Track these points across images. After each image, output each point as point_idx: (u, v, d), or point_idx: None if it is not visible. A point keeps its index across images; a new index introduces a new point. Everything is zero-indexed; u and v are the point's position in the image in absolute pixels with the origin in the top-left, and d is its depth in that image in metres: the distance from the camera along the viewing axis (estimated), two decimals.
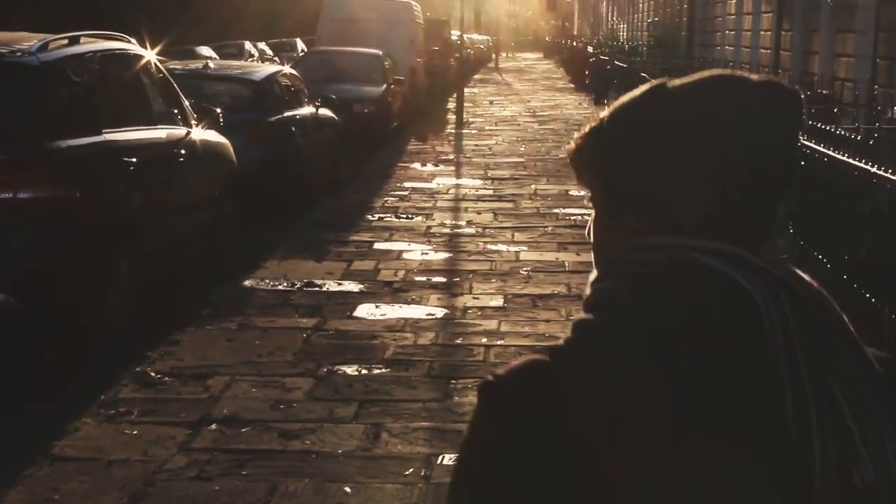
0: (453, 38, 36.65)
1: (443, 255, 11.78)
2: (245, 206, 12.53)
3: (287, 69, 16.55)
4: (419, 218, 13.89)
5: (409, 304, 9.63)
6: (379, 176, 17.62)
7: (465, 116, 27.00)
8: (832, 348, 1.46)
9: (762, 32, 27.04)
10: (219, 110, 11.17)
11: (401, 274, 10.79)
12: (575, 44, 55.32)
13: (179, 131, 9.97)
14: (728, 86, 1.53)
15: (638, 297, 1.47)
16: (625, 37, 54.03)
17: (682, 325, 1.44)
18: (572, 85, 43.11)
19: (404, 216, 14.00)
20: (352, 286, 10.29)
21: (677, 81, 1.55)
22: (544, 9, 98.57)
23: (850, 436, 1.43)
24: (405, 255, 11.63)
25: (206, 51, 40.69)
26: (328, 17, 27.86)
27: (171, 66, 15.20)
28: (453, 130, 25.42)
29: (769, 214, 1.53)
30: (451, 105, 30.29)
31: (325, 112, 16.64)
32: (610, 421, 1.39)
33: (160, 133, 9.48)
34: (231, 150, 11.50)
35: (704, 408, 1.40)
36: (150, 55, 10.04)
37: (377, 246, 12.11)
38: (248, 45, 46.93)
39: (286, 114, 14.63)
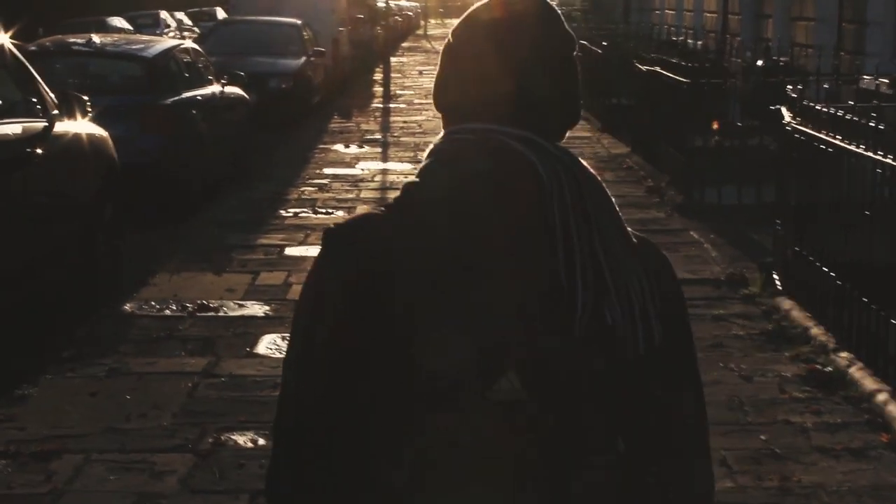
0: (379, 4, 34.68)
1: None
2: (134, 207, 10.71)
3: (188, 43, 14.65)
4: (340, 213, 12.10)
5: None
6: (296, 161, 15.75)
7: (392, 89, 25.22)
8: (598, 219, 1.90)
9: None
10: (86, 97, 9.24)
11: None
12: None
13: (35, 125, 8.10)
14: (489, 5, 1.98)
15: (448, 165, 1.91)
16: (557, 2, 52.31)
17: (478, 188, 1.86)
18: None
19: (323, 211, 12.20)
20: (255, 308, 8.51)
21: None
22: None
23: (605, 283, 1.87)
24: None
25: (118, 21, 38.58)
26: None
27: (49, 43, 13.27)
28: (380, 105, 23.57)
29: (563, 110, 1.98)
30: (378, 77, 28.45)
31: (233, 90, 14.76)
32: (407, 256, 1.84)
33: (6, 129, 7.60)
34: (109, 143, 9.65)
35: (486, 253, 1.84)
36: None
37: (289, 251, 10.31)
38: (164, 14, 44.76)
39: (185, 95, 12.75)
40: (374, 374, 1.86)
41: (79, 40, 13.10)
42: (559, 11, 1.98)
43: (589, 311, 1.85)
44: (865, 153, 6.95)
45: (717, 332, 7.83)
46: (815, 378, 6.83)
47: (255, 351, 7.50)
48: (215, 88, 13.98)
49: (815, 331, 7.53)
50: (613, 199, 1.95)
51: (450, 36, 2.03)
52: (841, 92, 13.37)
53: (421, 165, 1.95)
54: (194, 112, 12.77)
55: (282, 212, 12.15)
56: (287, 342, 2.04)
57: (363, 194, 13.20)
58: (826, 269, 7.63)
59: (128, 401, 6.55)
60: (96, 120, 10.08)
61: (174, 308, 8.48)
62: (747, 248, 10.24)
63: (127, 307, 8.51)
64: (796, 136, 8.21)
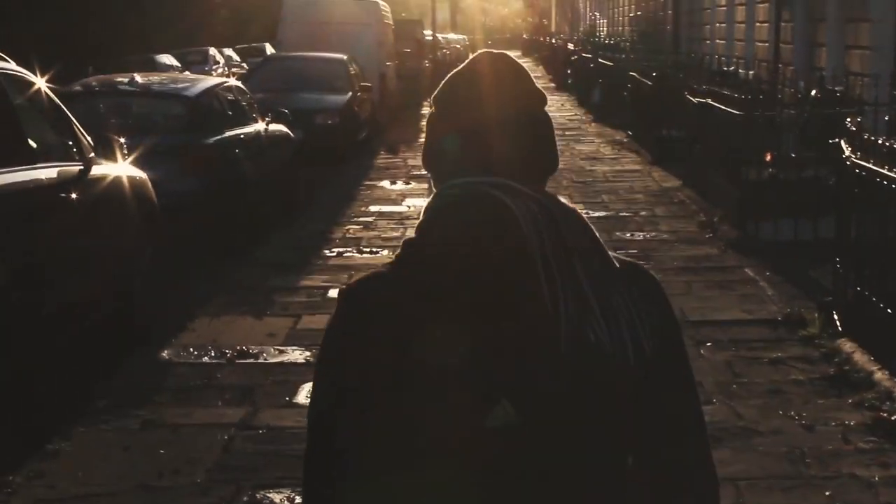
0: (427, 38, 34.55)
1: None
2: (176, 249, 10.52)
3: (232, 81, 14.50)
4: (385, 252, 11.85)
5: None
6: (342, 198, 15.55)
7: None
8: (579, 248, 2.07)
9: (758, 24, 25.05)
10: (122, 139, 9.06)
11: None
12: (555, 41, 53.31)
13: (71, 168, 7.91)
14: (475, 64, 2.22)
15: (439, 219, 2.11)
16: (605, 32, 52.03)
17: (466, 235, 2.07)
18: (553, 84, 41.08)
19: (367, 250, 11.97)
20: (296, 354, 8.26)
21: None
22: (521, 6, 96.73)
23: (588, 305, 2.03)
24: None
25: (167, 59, 38.71)
26: (289, 21, 25.76)
27: (94, 82, 13.16)
28: None
29: (537, 159, 2.18)
30: (426, 111, 28.31)
31: (277, 128, 14.59)
32: (409, 304, 2.05)
33: (40, 173, 7.42)
34: (148, 185, 9.45)
35: (479, 293, 2.03)
36: (36, 80, 7.94)
37: (332, 293, 10.06)
38: (212, 51, 44.90)
39: (228, 134, 12.57)
40: (382, 411, 2.07)
41: (122, 79, 12.95)
42: (528, 72, 2.23)
43: (573, 331, 2.02)
44: None
45: (776, 377, 7.49)
46: (881, 427, 6.48)
47: (294, 400, 7.24)
48: (259, 127, 13.81)
49: (880, 375, 7.18)
50: (594, 229, 2.14)
51: (433, 104, 2.23)
52: None
53: (418, 222, 2.17)
54: (237, 151, 12.59)
55: (326, 252, 11.92)
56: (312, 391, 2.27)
57: (409, 232, 12.88)
58: (890, 311, 7.28)
59: (161, 455, 6.31)
60: (137, 161, 9.94)
61: (212, 354, 8.25)
62: (805, 286, 9.88)
63: (164, 354, 8.29)
64: (857, 170, 7.88)
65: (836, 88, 15.57)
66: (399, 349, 2.04)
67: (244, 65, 42.91)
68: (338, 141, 19.61)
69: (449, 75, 2.25)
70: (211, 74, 39.79)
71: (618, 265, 2.13)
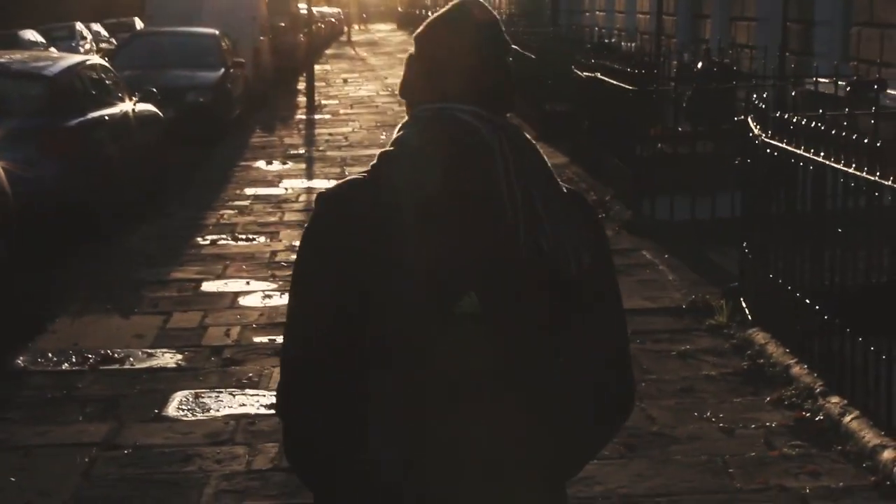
0: (301, 11, 33.60)
1: None
2: (35, 240, 9.75)
3: (95, 59, 13.59)
4: (262, 239, 11.14)
5: (242, 387, 6.94)
6: (215, 181, 14.73)
7: (316, 99, 24.17)
8: (533, 172, 2.38)
9: None
10: None
11: (234, 332, 8.07)
12: (430, 14, 52.63)
13: None
14: (442, 15, 2.48)
15: (414, 134, 2.39)
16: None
17: (438, 148, 2.34)
18: None
19: (243, 237, 11.23)
20: (167, 358, 7.55)
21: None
22: None
23: (541, 221, 2.34)
24: (241, 301, 8.89)
25: (30, 34, 37.27)
26: None
27: None
28: (304, 117, 22.56)
29: (499, 90, 2.43)
30: (302, 86, 27.42)
31: (145, 108, 13.73)
32: (385, 207, 2.31)
33: None
34: (1, 175, 8.63)
35: (450, 202, 2.30)
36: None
37: (206, 287, 9.34)
38: (79, 26, 43.40)
39: (91, 115, 11.72)
40: (361, 305, 2.32)
41: None
42: (501, 26, 2.47)
43: (529, 240, 2.31)
44: (854, 171, 6.12)
45: (686, 374, 6.99)
46: (804, 429, 6.01)
47: (164, 413, 6.54)
48: (125, 107, 12.95)
49: (798, 370, 6.70)
50: (547, 159, 2.42)
51: (414, 42, 2.48)
52: (788, 95, 12.68)
53: (393, 137, 2.42)
54: (100, 134, 11.75)
55: (199, 240, 11.16)
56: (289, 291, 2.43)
57: (287, 217, 12.22)
58: (805, 299, 6.81)
59: (11, 485, 5.58)
60: None
61: (73, 360, 7.50)
62: (707, 270, 9.43)
63: (20, 361, 7.51)
64: (767, 150, 7.39)
65: (724, 60, 15.22)
66: (378, 250, 2.29)
67: (113, 40, 41.55)
68: (210, 120, 18.72)
69: (430, 18, 2.51)
70: (78, 51, 38.51)
71: (565, 191, 2.42)
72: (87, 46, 41.38)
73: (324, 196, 2.42)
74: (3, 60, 11.82)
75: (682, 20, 21.32)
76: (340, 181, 2.44)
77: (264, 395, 6.74)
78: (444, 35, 2.45)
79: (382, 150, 2.41)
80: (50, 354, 7.61)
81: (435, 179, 2.31)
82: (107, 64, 13.56)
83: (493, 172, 2.34)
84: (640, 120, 11.92)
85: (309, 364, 2.36)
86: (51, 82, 11.50)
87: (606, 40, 22.08)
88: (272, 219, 12.19)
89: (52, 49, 36.86)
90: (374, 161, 2.40)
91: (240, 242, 11.01)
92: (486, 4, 2.51)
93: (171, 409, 6.58)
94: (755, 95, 8.31)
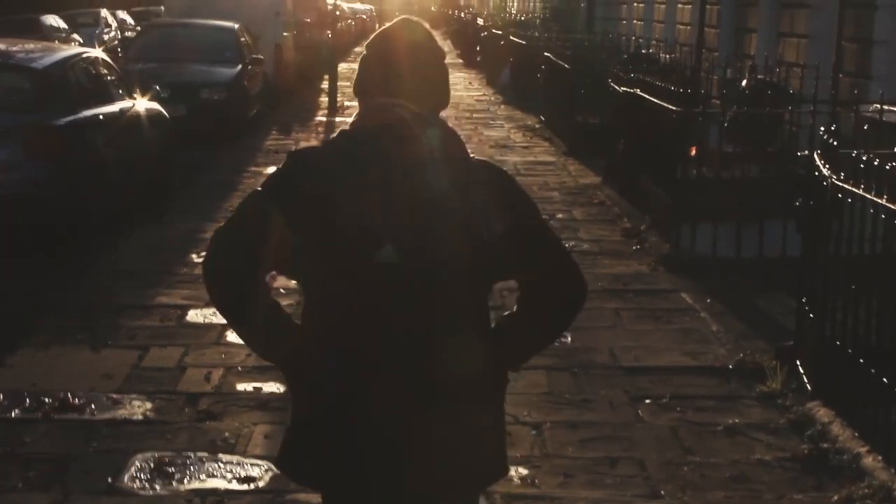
0: (329, 7, 32.56)
1: None
2: (6, 254, 8.80)
3: (95, 52, 12.58)
4: None
5: (215, 450, 5.92)
6: (222, 187, 13.68)
7: (339, 100, 23.12)
8: (453, 154, 3.05)
9: (680, 5, 23.57)
10: None
11: (215, 377, 7.06)
12: (464, 15, 51.56)
13: None
14: (387, 30, 3.16)
15: (362, 121, 3.08)
16: (516, 8, 50.43)
17: (376, 132, 3.01)
18: (461, 60, 39.36)
19: None
20: (134, 406, 6.55)
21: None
22: None
23: (454, 193, 2.99)
24: (229, 336, 7.86)
25: (52, 20, 36.40)
26: None
27: None
28: (324, 118, 21.53)
29: (430, 91, 3.10)
30: (326, 86, 26.41)
31: (148, 106, 12.75)
32: (331, 170, 3.00)
33: None
34: None
35: (381, 171, 2.97)
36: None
37: (191, 316, 8.34)
38: (104, 13, 42.54)
39: (84, 113, 10.75)
40: (298, 236, 2.99)
41: None
42: (432, 34, 3.19)
43: (440, 207, 2.96)
44: None
45: (736, 456, 5.94)
46: None
47: (118, 483, 5.53)
48: (125, 105, 11.98)
49: (870, 461, 5.65)
50: (462, 139, 3.11)
51: (365, 49, 3.16)
52: (842, 122, 11.61)
53: (351, 120, 3.13)
54: (93, 134, 10.79)
55: (193, 256, 10.14)
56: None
57: None
58: (880, 374, 5.76)
59: None
60: None
61: (27, 405, 6.50)
62: (755, 320, 8.39)
63: None
64: (839, 195, 6.33)
65: (771, 79, 14.14)
66: (320, 200, 2.96)
67: (138, 28, 40.67)
68: (224, 118, 17.76)
69: (379, 30, 3.20)
70: (102, 38, 37.67)
71: (479, 163, 3.12)
72: (112, 34, 40.55)
73: (292, 153, 3.10)
74: None
75: (726, 33, 20.18)
76: (308, 145, 3.43)
77: (239, 465, 5.73)
78: (388, 46, 3.11)
79: (342, 127, 3.16)
80: (1, 396, 6.62)
81: (370, 155, 2.98)
82: (107, 58, 12.54)
83: (418, 155, 2.98)
84: (681, 142, 10.88)
85: (231, 245, 3.04)
86: (40, 76, 10.54)
87: (644, 51, 21.03)
88: None
89: (75, 35, 36.15)
90: (334, 135, 3.14)
91: None
92: (422, 22, 3.22)
93: (127, 478, 5.57)
94: (822, 129, 7.24)
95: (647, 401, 6.71)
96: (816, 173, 6.79)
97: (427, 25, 3.22)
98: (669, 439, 6.16)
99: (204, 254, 3.12)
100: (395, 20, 3.15)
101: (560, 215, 12.24)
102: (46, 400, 6.55)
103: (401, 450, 2.96)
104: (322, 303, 3.02)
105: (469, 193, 2.96)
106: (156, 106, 13.14)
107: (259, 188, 3.07)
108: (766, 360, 7.26)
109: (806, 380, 6.78)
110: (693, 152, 11.21)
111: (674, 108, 10.65)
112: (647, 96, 11.76)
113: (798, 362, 6.98)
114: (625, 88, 13.15)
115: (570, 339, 7.82)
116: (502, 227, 2.96)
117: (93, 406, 6.52)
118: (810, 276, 7.02)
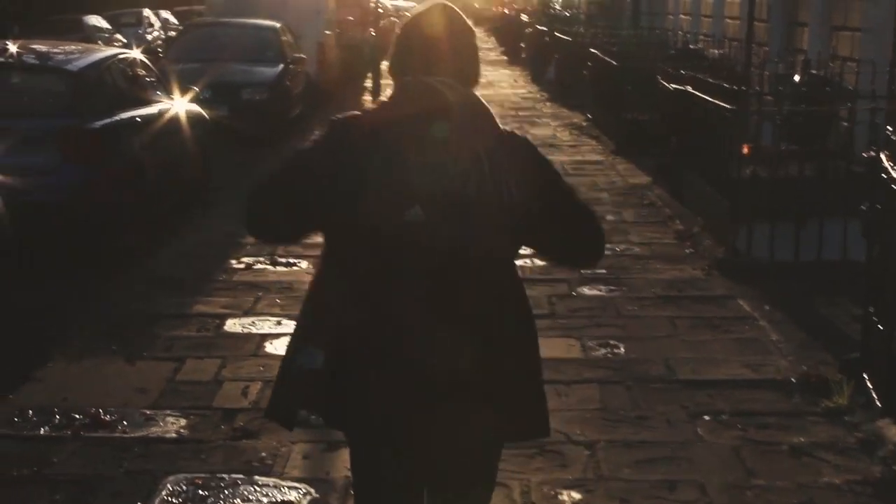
0: (372, 5, 32.26)
1: None
2: (41, 259, 8.56)
3: (134, 53, 12.30)
4: (304, 264, 9.83)
5: (250, 471, 5.62)
6: None
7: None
8: (483, 126, 3.27)
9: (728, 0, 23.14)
10: None
11: (253, 391, 6.76)
12: (508, 11, 51.13)
13: None
14: (422, 13, 3.36)
15: (400, 94, 3.26)
16: (561, 4, 49.96)
17: (413, 104, 3.20)
18: (506, 58, 38.99)
19: (283, 262, 9.92)
20: (168, 424, 6.26)
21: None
22: None
23: (481, 162, 3.20)
24: (268, 347, 7.59)
25: (95, 20, 36.40)
26: None
27: None
28: None
29: (465, 69, 3.31)
30: (370, 84, 26.16)
31: (187, 108, 12.50)
32: (369, 136, 3.18)
33: None
34: None
35: (414, 140, 3.17)
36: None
37: (230, 326, 8.06)
38: (147, 12, 42.49)
39: (121, 116, 10.50)
40: (330, 193, 3.19)
41: None
42: (464, 17, 3.38)
43: (465, 175, 3.16)
44: None
45: (803, 479, 5.57)
46: None
47: None
48: (164, 106, 11.73)
49: None
50: (496, 117, 3.30)
51: (400, 30, 3.36)
52: None
53: (388, 94, 3.31)
54: (131, 136, 10.53)
55: (232, 262, 9.89)
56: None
57: None
58: None
59: None
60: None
61: (56, 421, 6.23)
62: (817, 328, 8.01)
63: None
64: None
65: (824, 73, 13.70)
66: (358, 164, 3.16)
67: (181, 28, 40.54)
68: (266, 119, 17.51)
69: (412, 15, 3.37)
70: (145, 38, 37.57)
71: (504, 136, 3.30)
72: (155, 34, 40.49)
73: (333, 119, 3.30)
74: (23, 53, 10.58)
75: (776, 27, 19.74)
76: (350, 112, 3.33)
77: (276, 489, 5.42)
78: (425, 26, 3.32)
79: (381, 98, 3.45)
80: (30, 412, 6.35)
81: (407, 124, 3.19)
82: (145, 59, 12.28)
83: (450, 125, 3.18)
84: (735, 140, 10.50)
85: (276, 188, 3.31)
86: (75, 78, 10.28)
87: (692, 46, 20.61)
88: (318, 239, 10.81)
89: (118, 35, 36.08)
90: (374, 106, 3.33)
91: (278, 268, 9.72)
92: (454, 6, 3.38)
93: (158, 503, 5.28)
94: (889, 129, 6.84)
95: (707, 417, 6.35)
96: (884, 174, 6.41)
97: (458, 9, 3.36)
98: (731, 460, 5.80)
99: (246, 207, 3.34)
100: (429, 4, 3.36)
101: (610, 217, 11.88)
102: (77, 416, 6.28)
103: (432, 395, 3.16)
104: (347, 260, 3.23)
105: (495, 159, 3.18)
106: (195, 107, 12.90)
107: (300, 148, 3.32)
108: (830, 372, 6.89)
109: (875, 395, 6.40)
110: (746, 151, 10.84)
111: (728, 105, 10.25)
112: (699, 94, 11.36)
113: (865, 376, 6.60)
114: (675, 86, 12.76)
115: (623, 349, 7.50)
116: (526, 191, 3.19)
117: (125, 423, 6.24)
118: (878, 284, 6.63)
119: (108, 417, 6.29)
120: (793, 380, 6.93)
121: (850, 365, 6.83)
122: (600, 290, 8.99)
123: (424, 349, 3.14)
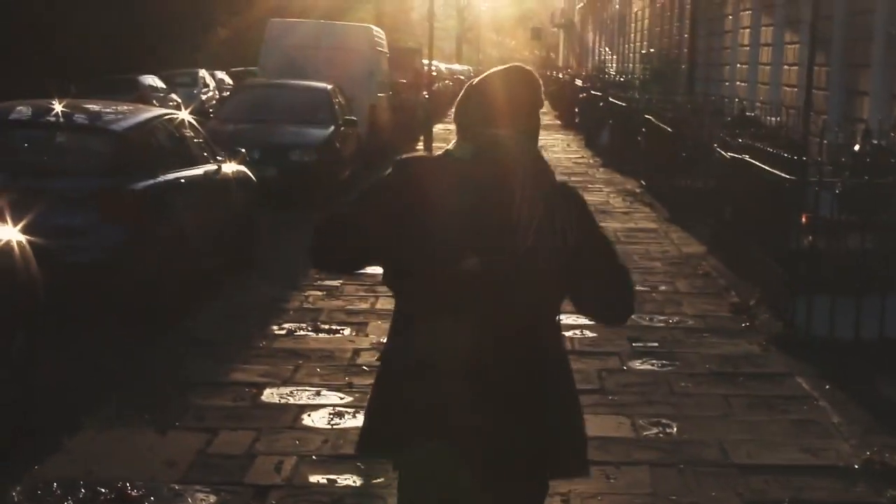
0: (426, 68, 32.24)
1: None
2: (79, 322, 8.36)
3: (181, 114, 12.14)
4: (347, 331, 9.57)
5: None
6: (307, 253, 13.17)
7: None
8: (542, 179, 3.48)
9: (786, 67, 22.80)
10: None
11: (288, 466, 6.46)
12: (562, 76, 51.08)
13: None
14: (500, 71, 3.59)
15: (469, 144, 3.46)
16: (615, 69, 49.83)
17: (480, 154, 3.40)
18: (559, 122, 38.91)
19: (326, 328, 9.67)
20: (196, 501, 5.98)
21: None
22: (528, 38, 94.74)
23: (538, 212, 3.39)
24: (305, 419, 7.30)
25: (151, 80, 36.55)
26: (271, 44, 23.46)
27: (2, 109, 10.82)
28: None
29: (531, 126, 3.54)
30: (421, 147, 26.02)
31: (234, 169, 12.33)
32: (431, 185, 3.34)
33: None
34: (28, 254, 7.24)
35: (476, 190, 3.35)
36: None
37: (266, 395, 7.78)
38: (202, 73, 42.73)
39: (164, 178, 10.31)
40: (391, 237, 3.37)
41: (41, 108, 10.60)
42: (539, 86, 3.58)
43: (524, 226, 3.33)
44: None
45: None
46: None
47: None
48: (209, 168, 11.55)
49: None
50: (552, 170, 3.50)
51: (472, 83, 3.59)
52: None
53: (453, 143, 3.51)
54: (173, 198, 10.34)
55: (273, 328, 9.64)
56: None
57: (380, 304, 10.51)
58: None
59: None
60: (44, 209, 7.94)
61: (80, 497, 5.96)
62: (881, 410, 7.62)
63: (14, 495, 5.99)
64: None
65: (885, 143, 13.33)
66: (421, 207, 3.32)
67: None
68: (315, 180, 17.30)
69: (488, 73, 3.59)
70: (199, 98, 37.74)
71: (559, 186, 3.48)
72: (210, 94, 40.68)
73: (400, 160, 3.51)
74: (67, 112, 10.43)
75: (835, 95, 19.40)
76: (415, 154, 3.79)
77: None
78: (501, 86, 3.54)
79: (447, 147, 3.54)
80: (54, 486, 6.08)
81: (470, 172, 3.39)
82: (192, 119, 12.12)
83: (514, 177, 3.37)
84: (794, 210, 10.17)
85: (341, 224, 3.49)
86: (118, 138, 10.10)
87: (748, 113, 20.30)
88: (363, 305, 10.59)
89: (173, 95, 36.23)
90: (439, 153, 3.53)
91: (320, 335, 9.45)
92: (530, 69, 3.64)
93: None
94: None
95: None
96: None
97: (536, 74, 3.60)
98: None
99: (311, 240, 3.52)
100: (507, 66, 3.62)
101: (663, 287, 11.55)
102: (102, 490, 6.01)
103: (478, 431, 3.33)
104: (403, 298, 3.47)
105: (553, 203, 3.37)
106: (242, 169, 12.72)
107: (365, 189, 3.49)
108: (893, 455, 6.51)
109: None
110: (805, 221, 10.51)
111: (787, 175, 9.92)
112: (757, 163, 11.04)
113: None
114: (732, 154, 12.45)
115: (675, 429, 7.15)
116: (575, 239, 3.38)
117: (152, 499, 5.97)
118: None
119: (134, 492, 6.01)
120: (856, 466, 6.55)
121: None
122: (652, 365, 8.65)
123: (468, 420, 3.33)
